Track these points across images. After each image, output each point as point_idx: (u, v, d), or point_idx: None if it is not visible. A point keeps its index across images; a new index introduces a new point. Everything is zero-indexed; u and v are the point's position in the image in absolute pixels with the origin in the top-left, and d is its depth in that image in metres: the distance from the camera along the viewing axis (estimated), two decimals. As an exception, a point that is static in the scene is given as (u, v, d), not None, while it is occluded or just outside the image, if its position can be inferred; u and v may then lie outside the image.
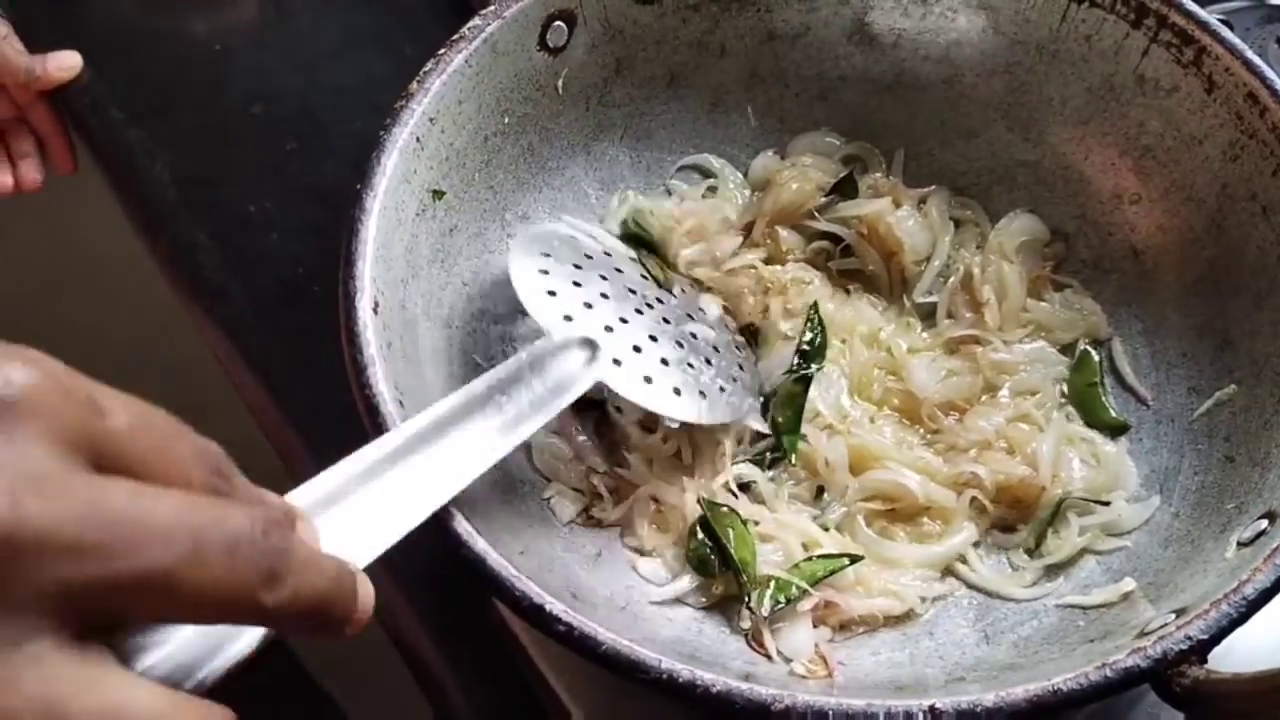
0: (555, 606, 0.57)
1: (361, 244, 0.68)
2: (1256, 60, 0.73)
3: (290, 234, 1.00)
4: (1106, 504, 0.73)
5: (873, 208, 0.84)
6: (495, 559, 0.58)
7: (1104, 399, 0.79)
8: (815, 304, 0.82)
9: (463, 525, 0.59)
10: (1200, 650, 0.54)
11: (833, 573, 0.71)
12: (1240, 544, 0.61)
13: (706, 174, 0.89)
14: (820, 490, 0.77)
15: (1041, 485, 0.73)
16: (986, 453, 0.75)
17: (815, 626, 0.70)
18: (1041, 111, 0.84)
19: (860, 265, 0.84)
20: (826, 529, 0.75)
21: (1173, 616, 0.58)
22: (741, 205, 0.88)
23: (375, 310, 0.66)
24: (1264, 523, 0.61)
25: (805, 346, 0.80)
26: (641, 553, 0.74)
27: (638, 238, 0.85)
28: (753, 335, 0.83)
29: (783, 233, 0.84)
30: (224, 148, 1.06)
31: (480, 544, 0.58)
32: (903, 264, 0.84)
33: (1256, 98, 0.73)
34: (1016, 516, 0.74)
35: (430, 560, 0.78)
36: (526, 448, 0.76)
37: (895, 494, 0.74)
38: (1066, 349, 0.82)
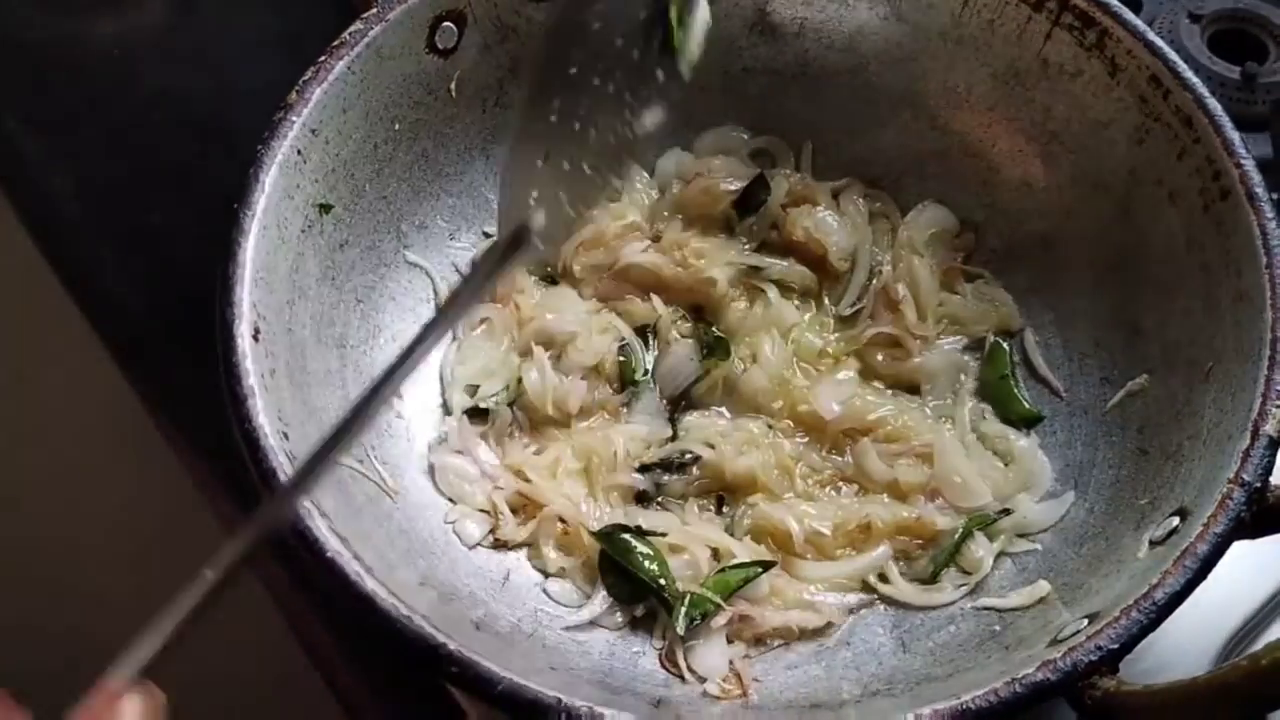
0: (449, 647, 0.54)
1: (239, 267, 0.65)
2: (1158, 42, 0.71)
3: (199, 244, 0.94)
4: (1009, 512, 0.72)
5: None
6: (385, 599, 0.55)
7: (1016, 391, 0.77)
8: (700, 309, 0.81)
9: (351, 565, 0.56)
10: (1111, 660, 0.53)
11: (747, 582, 0.69)
12: (1153, 543, 0.60)
13: (612, 173, 0.87)
14: (722, 500, 0.75)
15: (936, 528, 0.72)
16: (879, 494, 0.74)
17: (730, 642, 0.68)
18: (947, 99, 0.83)
19: (784, 275, 0.82)
20: (734, 534, 0.73)
21: (1085, 622, 0.57)
22: (649, 205, 0.85)
23: (255, 337, 0.63)
24: (1175, 520, 0.60)
25: (707, 341, 0.79)
26: (548, 574, 0.72)
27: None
28: (645, 337, 0.81)
29: (694, 242, 0.82)
30: (127, 157, 1.01)
31: (369, 584, 0.56)
32: (829, 265, 0.82)
33: (1159, 80, 0.71)
34: (919, 546, 0.73)
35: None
36: (430, 470, 0.74)
37: (778, 533, 0.72)
38: (980, 341, 0.80)
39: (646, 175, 0.86)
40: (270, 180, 0.68)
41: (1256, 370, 0.61)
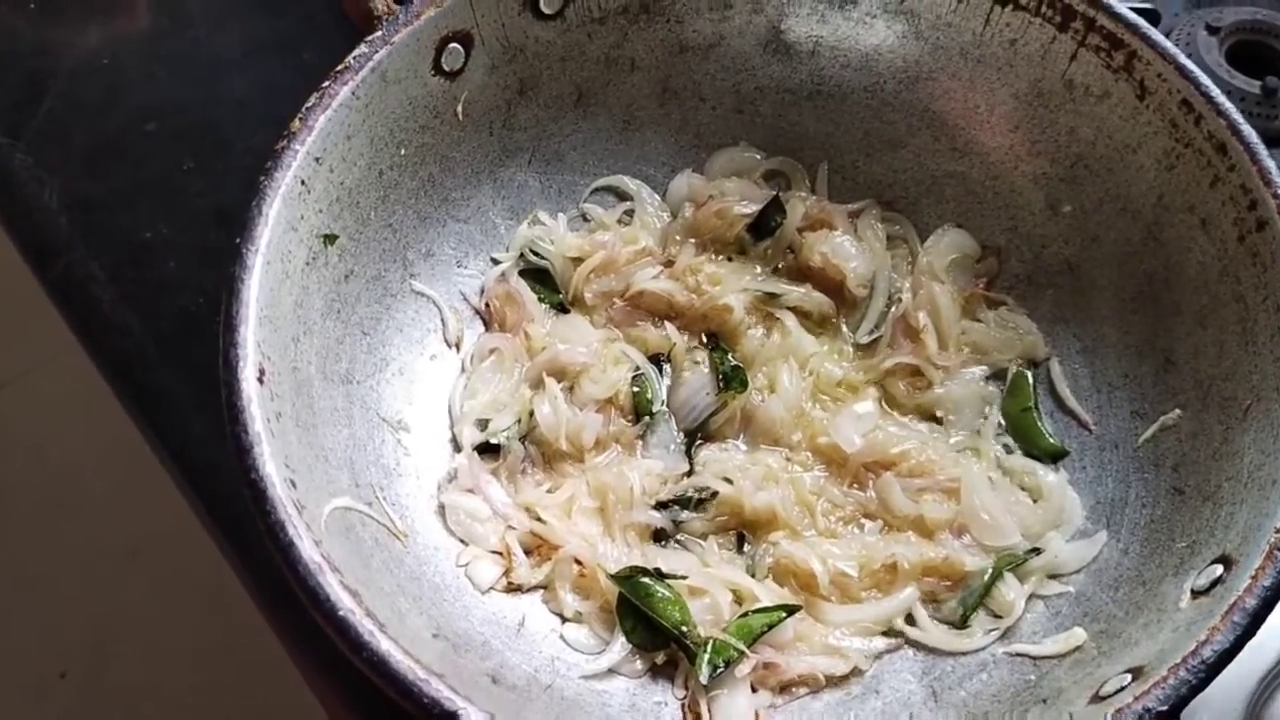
0: (469, 713, 0.52)
1: (243, 306, 0.62)
2: (1190, 65, 0.69)
3: (191, 261, 0.94)
4: (1039, 551, 0.70)
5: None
6: (399, 660, 0.53)
7: (1040, 425, 0.75)
8: (715, 336, 0.79)
9: (364, 624, 0.54)
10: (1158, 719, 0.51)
11: (770, 627, 0.67)
12: (1195, 592, 0.58)
13: (623, 196, 0.84)
14: (742, 538, 0.73)
15: (965, 569, 0.70)
16: (903, 533, 0.72)
17: (755, 691, 0.66)
18: (968, 120, 0.80)
19: (801, 302, 0.80)
20: (755, 575, 0.71)
21: (1129, 678, 0.55)
22: (660, 229, 0.83)
23: (261, 379, 0.61)
24: (1218, 568, 0.58)
25: (723, 371, 0.77)
26: (565, 619, 0.69)
27: (536, 269, 0.81)
28: (659, 365, 0.79)
29: (708, 267, 0.79)
30: (117, 169, 0.99)
31: (383, 645, 0.53)
32: (847, 292, 0.80)
33: (1191, 105, 0.69)
34: (947, 588, 0.70)
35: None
36: (440, 510, 0.71)
37: (801, 573, 0.70)
38: (1003, 371, 0.78)
39: (658, 198, 0.84)
40: (273, 213, 0.65)
41: (1300, 412, 0.59)
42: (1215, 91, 0.68)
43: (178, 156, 0.98)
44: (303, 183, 0.67)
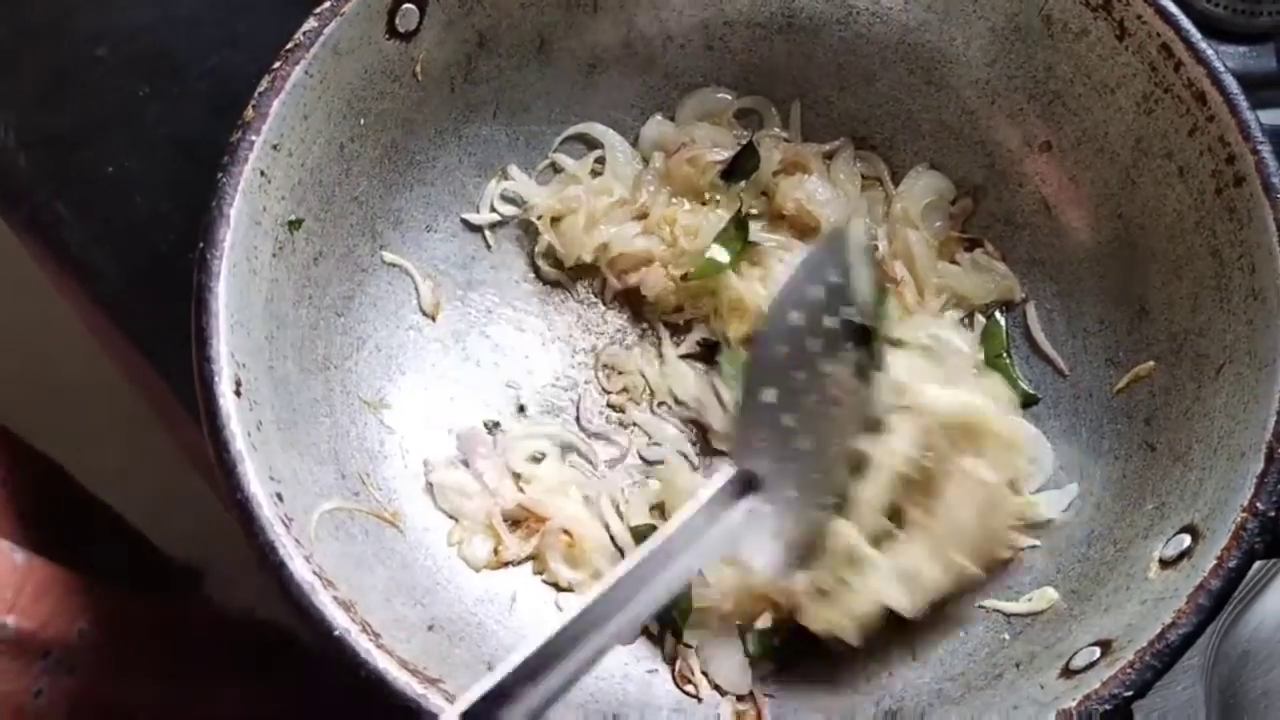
0: (466, 722, 0.54)
1: (212, 317, 0.61)
2: (1172, 9, 0.67)
3: (157, 195, 0.92)
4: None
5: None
6: (396, 676, 0.55)
7: (1013, 370, 0.76)
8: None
9: (360, 641, 0.56)
10: (1125, 704, 0.53)
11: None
12: (1163, 561, 0.60)
13: (592, 144, 0.82)
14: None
15: None
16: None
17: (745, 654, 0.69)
18: (944, 53, 0.78)
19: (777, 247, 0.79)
20: None
21: (1098, 652, 0.57)
22: (633, 176, 0.81)
23: (238, 391, 0.61)
24: (1186, 539, 0.59)
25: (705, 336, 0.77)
26: (559, 588, 0.71)
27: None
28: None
29: (684, 218, 0.78)
30: (72, 100, 0.96)
31: (380, 662, 0.55)
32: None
33: (1171, 50, 0.67)
34: None
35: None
36: (429, 488, 0.73)
37: None
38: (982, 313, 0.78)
39: (629, 146, 0.82)
40: (235, 211, 0.64)
41: (1271, 382, 0.59)
42: (1196, 37, 0.66)
43: (132, 84, 0.95)
44: (262, 173, 0.66)
